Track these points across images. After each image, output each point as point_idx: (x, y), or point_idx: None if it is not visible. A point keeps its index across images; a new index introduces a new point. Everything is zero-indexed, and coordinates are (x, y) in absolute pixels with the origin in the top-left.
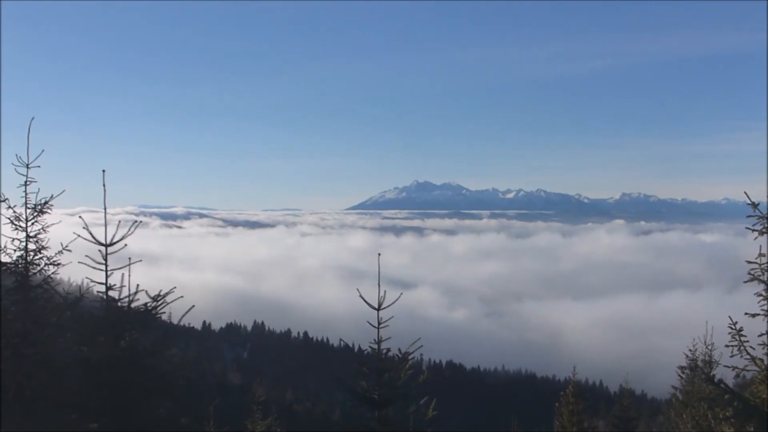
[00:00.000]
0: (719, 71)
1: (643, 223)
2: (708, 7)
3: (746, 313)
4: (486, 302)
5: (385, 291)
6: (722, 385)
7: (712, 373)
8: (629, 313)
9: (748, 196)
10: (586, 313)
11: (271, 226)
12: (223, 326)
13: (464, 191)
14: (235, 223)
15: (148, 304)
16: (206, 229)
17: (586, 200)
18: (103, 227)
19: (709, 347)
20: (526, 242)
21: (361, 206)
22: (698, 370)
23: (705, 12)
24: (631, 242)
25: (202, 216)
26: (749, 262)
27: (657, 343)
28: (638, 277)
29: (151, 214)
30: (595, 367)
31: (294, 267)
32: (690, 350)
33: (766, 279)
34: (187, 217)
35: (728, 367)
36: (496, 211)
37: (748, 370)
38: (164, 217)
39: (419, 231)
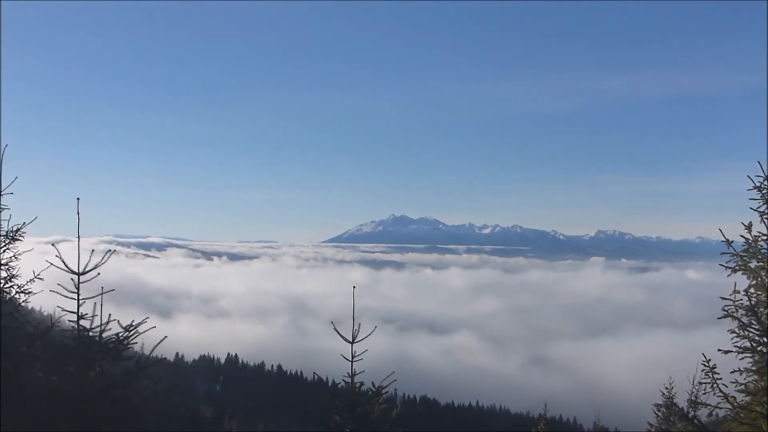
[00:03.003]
0: (692, 112)
1: (624, 260)
2: (682, 49)
3: (719, 350)
4: (526, 344)
5: (359, 324)
6: (695, 421)
7: (687, 411)
8: (660, 350)
9: (722, 234)
10: (621, 352)
11: (254, 257)
12: (196, 358)
13: (441, 226)
14: (215, 254)
15: (120, 335)
16: (192, 261)
17: (561, 237)
18: (77, 256)
19: (696, 387)
20: (518, 278)
21: (338, 239)
22: (674, 408)
23: (680, 53)
24: (623, 279)
25: (179, 247)
26: (723, 299)
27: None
28: (651, 315)
29: (129, 244)
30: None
31: (328, 307)
32: (666, 388)
33: (739, 316)
34: (163, 247)
35: (702, 404)
36: (472, 246)
37: (721, 408)
38: (142, 246)
39: (401, 265)
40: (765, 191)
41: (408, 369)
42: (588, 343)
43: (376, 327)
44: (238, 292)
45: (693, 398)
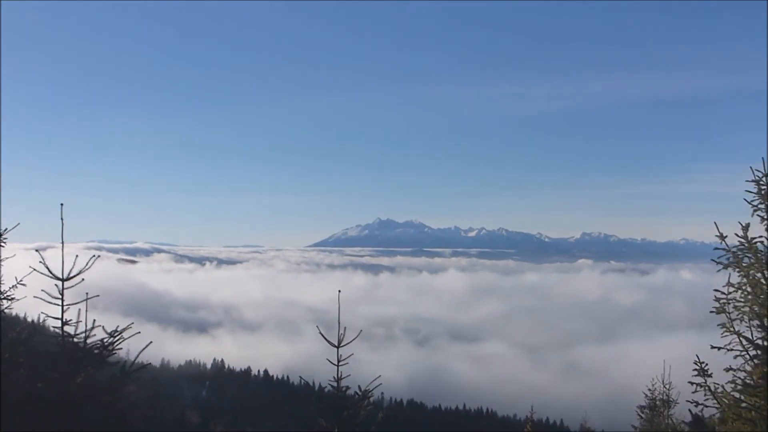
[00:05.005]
0: (676, 115)
1: (613, 262)
2: (668, 51)
3: (712, 346)
4: (555, 350)
5: (345, 328)
6: (683, 422)
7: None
8: (683, 352)
9: (717, 227)
10: (649, 353)
11: (244, 262)
12: (182, 363)
13: (426, 229)
14: (204, 260)
15: (105, 340)
16: (184, 266)
17: (547, 239)
18: (61, 261)
19: (667, 386)
20: (515, 281)
21: (324, 243)
22: (657, 409)
23: (664, 56)
24: (621, 281)
25: (166, 252)
26: (716, 291)
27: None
28: (660, 316)
29: (116, 250)
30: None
31: (354, 315)
32: (649, 389)
33: (728, 311)
34: (149, 252)
35: (690, 402)
36: (458, 249)
37: (708, 406)
38: (128, 252)
39: (393, 269)
40: (764, 186)
41: (446, 380)
42: (614, 347)
43: (361, 331)
44: (256, 300)
45: (665, 397)
